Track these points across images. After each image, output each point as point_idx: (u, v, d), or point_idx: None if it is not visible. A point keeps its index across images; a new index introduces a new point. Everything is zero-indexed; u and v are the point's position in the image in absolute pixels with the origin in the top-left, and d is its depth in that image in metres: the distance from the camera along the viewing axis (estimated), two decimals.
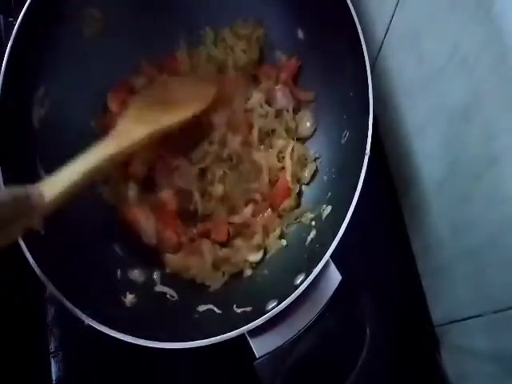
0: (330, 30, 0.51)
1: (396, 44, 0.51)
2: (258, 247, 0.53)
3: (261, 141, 0.56)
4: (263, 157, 0.55)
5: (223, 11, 0.58)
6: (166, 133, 0.51)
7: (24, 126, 0.47)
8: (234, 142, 0.55)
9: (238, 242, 0.53)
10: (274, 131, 0.57)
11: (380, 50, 0.55)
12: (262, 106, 0.56)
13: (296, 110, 0.58)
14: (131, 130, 0.49)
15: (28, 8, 0.46)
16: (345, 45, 0.48)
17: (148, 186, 0.55)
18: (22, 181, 0.44)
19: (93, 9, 0.52)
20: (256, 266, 0.52)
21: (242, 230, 0.54)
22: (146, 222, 0.53)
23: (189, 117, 0.52)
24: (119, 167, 0.54)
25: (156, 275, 0.51)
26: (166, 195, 0.53)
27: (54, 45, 0.49)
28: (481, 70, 0.37)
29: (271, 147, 0.56)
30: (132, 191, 0.54)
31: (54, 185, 0.40)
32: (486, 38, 0.35)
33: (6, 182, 0.43)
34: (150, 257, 0.52)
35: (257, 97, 0.56)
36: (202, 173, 0.55)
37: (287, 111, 0.57)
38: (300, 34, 0.56)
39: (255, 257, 0.52)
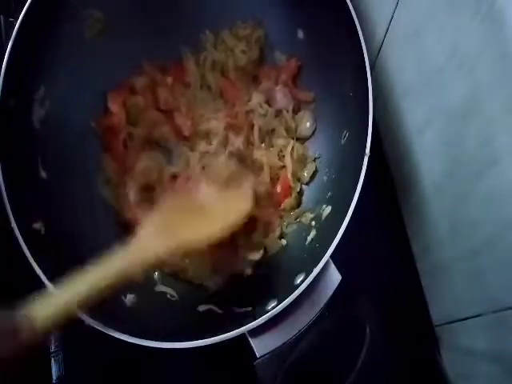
0: (329, 30, 0.51)
1: (396, 44, 0.51)
2: (258, 246, 0.53)
3: (261, 140, 0.56)
4: (264, 155, 0.55)
5: (223, 12, 0.58)
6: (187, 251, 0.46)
7: (24, 126, 0.47)
8: (237, 142, 0.55)
9: (238, 240, 0.53)
10: (273, 131, 0.57)
11: (380, 50, 0.55)
12: (261, 106, 0.56)
13: (296, 110, 0.58)
14: (150, 246, 0.42)
15: (28, 8, 0.46)
16: (345, 45, 0.48)
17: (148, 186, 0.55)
18: (22, 181, 0.45)
19: (93, 9, 0.52)
20: (256, 265, 0.52)
21: (244, 225, 0.54)
22: None
23: (216, 238, 0.45)
24: (120, 170, 0.54)
25: (156, 275, 0.51)
26: None
27: (54, 45, 0.49)
28: (481, 70, 0.37)
29: (272, 146, 0.56)
30: (132, 191, 0.54)
31: (47, 308, 0.35)
32: (485, 37, 0.35)
33: (7, 183, 0.43)
34: None
35: (257, 98, 0.56)
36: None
37: (287, 111, 0.57)
38: (300, 34, 0.56)
39: (255, 255, 0.52)
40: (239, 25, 0.59)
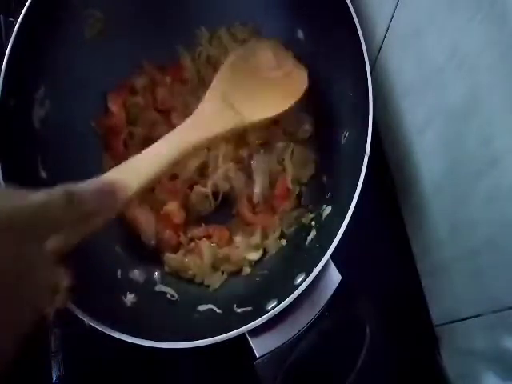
0: (329, 30, 0.51)
1: (396, 44, 0.51)
2: (257, 247, 0.53)
3: (261, 145, 0.56)
4: (263, 161, 0.55)
5: (223, 12, 0.58)
6: (249, 128, 0.48)
7: (25, 126, 0.47)
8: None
9: (238, 239, 0.53)
10: (272, 136, 0.57)
11: (380, 50, 0.55)
12: None
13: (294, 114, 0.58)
14: (218, 117, 0.44)
15: (28, 8, 0.46)
16: (345, 45, 0.48)
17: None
18: (22, 181, 0.45)
19: (94, 9, 0.52)
20: (255, 264, 0.52)
21: (243, 227, 0.54)
22: (145, 222, 0.53)
23: (279, 113, 0.48)
24: None
25: (156, 275, 0.52)
26: (172, 207, 0.53)
27: (54, 45, 0.49)
28: (481, 70, 0.37)
29: (271, 150, 0.56)
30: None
31: (136, 175, 0.38)
32: (485, 37, 0.35)
33: (7, 183, 0.43)
34: (151, 256, 0.52)
35: None
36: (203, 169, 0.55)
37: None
38: (300, 34, 0.56)
39: (254, 255, 0.52)
40: (238, 26, 0.59)
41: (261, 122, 0.47)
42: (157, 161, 0.40)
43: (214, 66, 0.58)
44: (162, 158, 0.40)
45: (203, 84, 0.58)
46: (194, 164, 0.54)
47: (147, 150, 0.41)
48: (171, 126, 0.55)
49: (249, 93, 0.47)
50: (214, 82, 0.47)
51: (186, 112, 0.55)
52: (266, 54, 0.51)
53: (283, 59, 0.52)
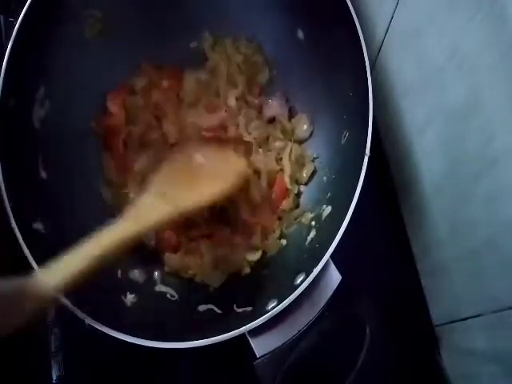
0: (329, 30, 0.51)
1: (396, 44, 0.51)
2: (257, 247, 0.53)
3: (259, 145, 0.56)
4: (261, 160, 0.55)
5: (222, 13, 0.58)
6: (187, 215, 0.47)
7: (24, 126, 0.47)
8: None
9: (237, 239, 0.53)
10: (269, 137, 0.57)
11: (380, 50, 0.55)
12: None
13: (293, 114, 0.58)
14: (152, 210, 0.43)
15: (28, 8, 0.46)
16: (345, 45, 0.48)
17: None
18: (22, 181, 0.45)
19: (93, 9, 0.52)
20: (255, 264, 0.52)
21: (243, 228, 0.54)
22: None
23: (215, 199, 0.47)
24: (120, 170, 0.54)
25: (156, 275, 0.52)
26: None
27: (54, 45, 0.49)
28: (481, 70, 0.37)
29: (269, 150, 0.56)
30: (132, 192, 0.54)
31: (59, 273, 0.36)
32: (485, 37, 0.35)
33: (7, 183, 0.43)
34: (151, 257, 0.52)
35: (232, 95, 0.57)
36: None
37: (282, 117, 0.57)
38: (300, 34, 0.56)
39: (254, 256, 0.52)
40: (243, 41, 0.59)
41: (195, 208, 0.47)
42: (87, 261, 0.37)
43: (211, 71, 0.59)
44: (93, 257, 0.38)
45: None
46: None
47: (79, 249, 0.37)
48: (161, 133, 0.55)
49: (181, 184, 0.47)
50: (152, 181, 0.46)
51: (177, 121, 0.55)
52: (198, 155, 0.51)
53: (219, 151, 0.52)
